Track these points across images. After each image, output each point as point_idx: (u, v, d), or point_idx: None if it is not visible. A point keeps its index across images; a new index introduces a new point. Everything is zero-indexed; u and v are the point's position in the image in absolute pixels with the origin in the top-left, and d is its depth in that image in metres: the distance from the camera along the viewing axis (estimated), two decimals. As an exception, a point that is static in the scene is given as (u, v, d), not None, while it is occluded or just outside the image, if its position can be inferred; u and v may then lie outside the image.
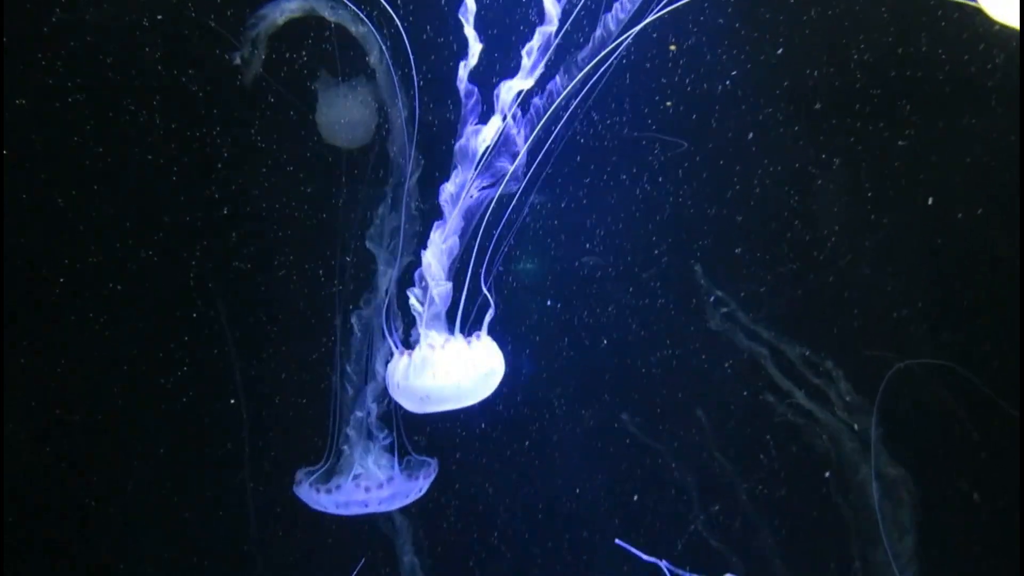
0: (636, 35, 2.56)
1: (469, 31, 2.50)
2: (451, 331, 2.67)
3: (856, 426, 3.27)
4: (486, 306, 2.65)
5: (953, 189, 3.16)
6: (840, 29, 3.03)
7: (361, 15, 2.84)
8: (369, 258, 3.04)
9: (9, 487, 3.17)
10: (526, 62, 2.52)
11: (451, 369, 2.59)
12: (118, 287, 3.16)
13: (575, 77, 2.57)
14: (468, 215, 2.62)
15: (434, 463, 3.18)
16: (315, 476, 3.05)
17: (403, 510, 3.30)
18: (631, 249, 3.32)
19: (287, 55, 2.98)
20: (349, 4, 2.82)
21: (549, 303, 3.36)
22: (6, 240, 3.01)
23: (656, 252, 3.32)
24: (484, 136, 2.55)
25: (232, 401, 3.27)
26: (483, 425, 3.41)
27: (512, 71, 2.55)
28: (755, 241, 3.31)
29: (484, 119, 2.57)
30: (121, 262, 3.14)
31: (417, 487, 3.11)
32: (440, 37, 2.89)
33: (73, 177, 3.05)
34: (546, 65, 2.54)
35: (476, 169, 2.58)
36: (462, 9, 2.49)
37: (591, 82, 2.60)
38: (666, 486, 3.51)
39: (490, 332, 2.69)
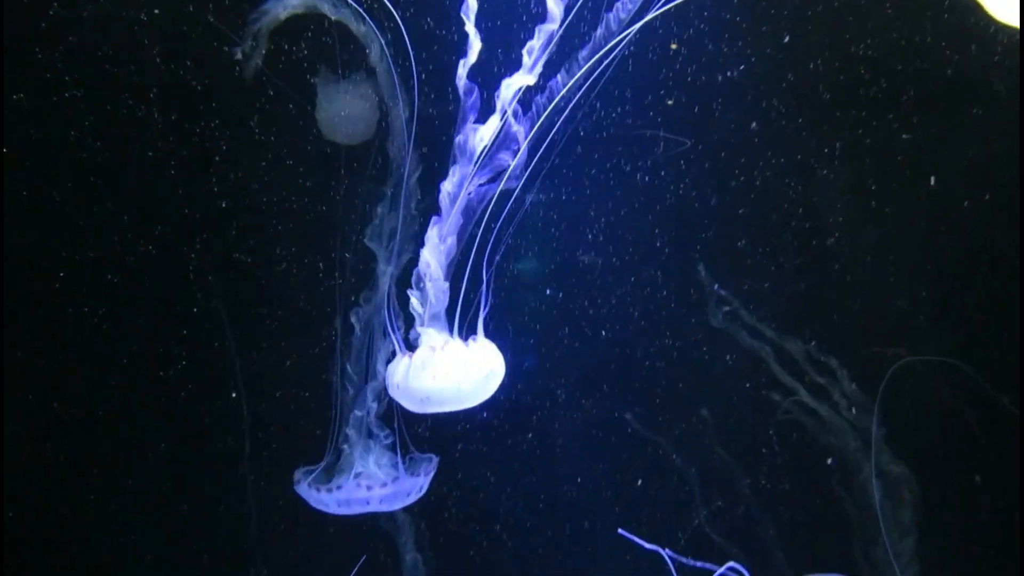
0: (639, 26, 2.54)
1: (470, 28, 2.48)
2: (451, 331, 2.68)
3: (854, 410, 3.27)
4: (485, 304, 2.65)
5: (957, 183, 3.15)
6: (844, 23, 3.01)
7: (362, 12, 2.81)
8: (369, 256, 3.03)
9: (8, 485, 3.18)
10: (527, 60, 2.51)
11: (451, 370, 2.60)
12: (117, 281, 3.16)
13: (576, 73, 2.56)
14: (467, 213, 2.61)
15: (435, 459, 3.18)
16: (316, 474, 3.05)
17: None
18: (632, 241, 3.31)
19: (286, 47, 2.96)
20: (351, 2, 2.80)
21: (549, 292, 3.36)
22: (4, 236, 2.99)
23: (658, 244, 3.32)
24: (483, 134, 2.54)
25: (233, 395, 3.27)
26: (485, 415, 3.41)
27: (513, 67, 2.54)
28: (757, 233, 3.30)
29: (484, 117, 2.55)
30: (120, 257, 3.12)
31: (418, 485, 3.12)
32: (441, 29, 2.87)
33: (72, 172, 3.04)
34: (547, 62, 2.52)
35: (475, 167, 2.57)
36: (464, 7, 2.47)
37: (594, 75, 2.59)
38: (668, 475, 3.51)
39: (492, 323, 2.69)
